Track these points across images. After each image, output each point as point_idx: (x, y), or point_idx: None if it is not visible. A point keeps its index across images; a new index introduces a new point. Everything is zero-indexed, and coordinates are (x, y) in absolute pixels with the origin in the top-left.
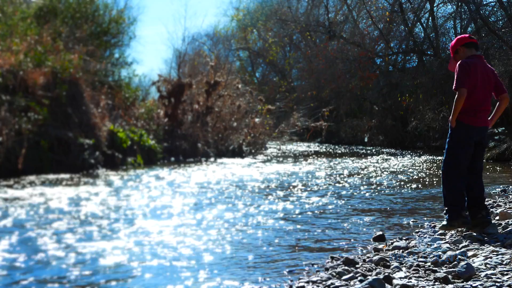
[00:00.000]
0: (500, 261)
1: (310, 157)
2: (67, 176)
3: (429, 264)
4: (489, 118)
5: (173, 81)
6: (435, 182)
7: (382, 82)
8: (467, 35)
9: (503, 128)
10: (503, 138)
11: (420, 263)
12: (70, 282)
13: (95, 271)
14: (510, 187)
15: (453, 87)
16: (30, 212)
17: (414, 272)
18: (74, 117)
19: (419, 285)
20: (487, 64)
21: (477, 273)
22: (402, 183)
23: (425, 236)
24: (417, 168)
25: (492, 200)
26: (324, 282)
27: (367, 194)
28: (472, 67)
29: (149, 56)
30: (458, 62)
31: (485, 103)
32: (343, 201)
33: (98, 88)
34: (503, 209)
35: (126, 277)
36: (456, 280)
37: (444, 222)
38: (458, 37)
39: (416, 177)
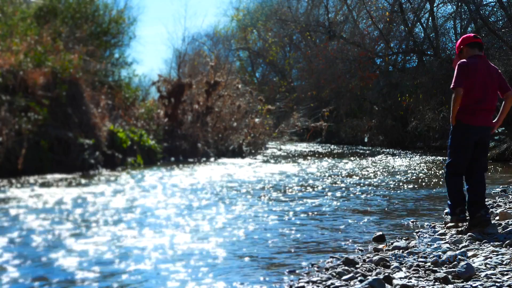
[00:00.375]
0: (500, 261)
1: (310, 157)
2: (67, 176)
3: (429, 264)
4: (494, 120)
5: (173, 81)
6: (435, 182)
7: (382, 82)
8: (472, 34)
9: (503, 128)
10: (503, 138)
11: (420, 263)
12: (65, 284)
13: (90, 272)
14: (510, 187)
15: (451, 86)
16: (29, 213)
17: (414, 272)
18: (74, 117)
19: (419, 285)
20: (490, 63)
21: (477, 273)
22: (402, 183)
23: (425, 236)
24: (417, 168)
25: (492, 200)
26: (324, 282)
27: (367, 195)
28: (471, 67)
29: (149, 56)
30: (457, 62)
31: (485, 102)
32: (342, 202)
33: (98, 88)
34: (503, 209)
35: (122, 279)
36: (456, 280)
37: (448, 218)
38: (463, 36)
39: (416, 177)
